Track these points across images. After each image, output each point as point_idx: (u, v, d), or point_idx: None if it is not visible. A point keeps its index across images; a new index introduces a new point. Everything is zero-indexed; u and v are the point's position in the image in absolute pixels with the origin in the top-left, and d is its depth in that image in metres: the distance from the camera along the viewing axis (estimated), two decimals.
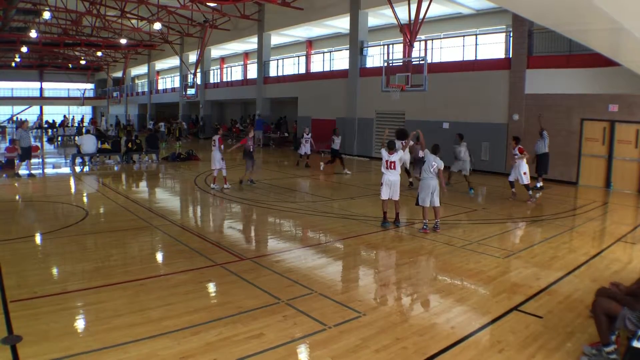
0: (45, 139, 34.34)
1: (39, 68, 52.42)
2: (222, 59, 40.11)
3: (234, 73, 35.31)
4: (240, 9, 26.09)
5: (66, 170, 17.07)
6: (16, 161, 15.53)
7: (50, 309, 4.84)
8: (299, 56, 29.24)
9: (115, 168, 17.85)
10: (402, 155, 9.09)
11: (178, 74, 38.77)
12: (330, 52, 25.52)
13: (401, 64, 15.46)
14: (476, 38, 18.35)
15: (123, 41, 32.76)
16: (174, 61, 40.36)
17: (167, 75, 48.05)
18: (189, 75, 31.68)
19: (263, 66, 28.61)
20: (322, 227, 8.93)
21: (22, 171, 14.68)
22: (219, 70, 37.42)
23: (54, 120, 38.55)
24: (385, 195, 8.73)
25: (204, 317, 4.71)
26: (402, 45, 18.56)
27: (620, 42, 7.48)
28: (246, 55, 36.60)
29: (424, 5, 14.74)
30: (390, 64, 15.91)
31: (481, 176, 15.59)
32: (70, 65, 48.54)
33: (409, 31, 15.12)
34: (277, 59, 29.05)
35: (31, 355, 3.90)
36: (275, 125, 30.29)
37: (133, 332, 4.35)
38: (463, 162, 12.70)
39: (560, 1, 5.00)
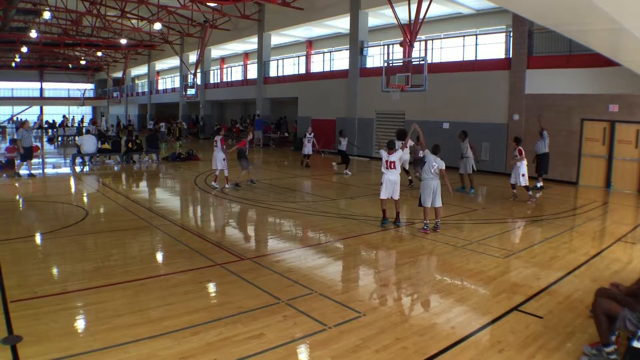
0: (45, 139, 34.35)
1: (39, 68, 52.45)
2: (222, 59, 40.12)
3: (234, 73, 35.32)
4: (240, 9, 26.09)
5: (66, 170, 17.08)
6: (17, 161, 15.55)
7: (51, 309, 4.84)
8: (299, 56, 29.25)
9: (116, 168, 17.85)
10: (401, 155, 9.07)
11: (178, 74, 38.78)
12: (330, 52, 25.52)
13: (401, 64, 15.46)
14: (476, 38, 18.35)
15: (123, 41, 32.76)
16: (174, 61, 40.37)
17: (167, 75, 48.06)
18: (189, 75, 31.69)
19: (263, 66, 28.61)
20: (322, 227, 8.93)
21: (23, 171, 14.68)
22: (219, 71, 37.43)
23: (54, 121, 38.55)
24: (384, 194, 8.73)
25: (204, 317, 4.71)
26: (402, 45, 18.59)
27: (620, 42, 7.48)
28: (246, 55, 36.61)
29: (424, 5, 14.73)
30: (390, 64, 15.91)
31: (481, 176, 15.58)
32: (70, 65, 48.55)
33: (409, 31, 15.11)
34: (277, 59, 29.05)
35: (31, 356, 3.90)
36: (275, 125, 30.30)
37: (133, 332, 4.35)
38: (466, 159, 12.64)
39: (560, 1, 5.00)
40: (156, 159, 19.59)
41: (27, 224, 9.11)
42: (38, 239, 7.88)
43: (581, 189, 14.19)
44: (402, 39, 15.98)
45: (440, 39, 21.75)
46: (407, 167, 13.82)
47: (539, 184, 13.33)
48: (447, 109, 18.06)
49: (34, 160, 16.22)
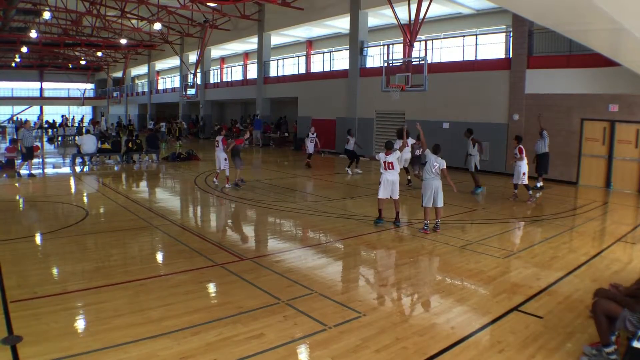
0: (45, 139, 34.35)
1: (39, 68, 52.44)
2: (222, 59, 40.11)
3: (234, 73, 35.31)
4: (240, 9, 26.09)
5: (66, 170, 17.08)
6: (17, 161, 15.56)
7: (51, 309, 4.84)
8: (299, 56, 29.24)
9: (116, 168, 17.85)
10: (399, 155, 9.03)
11: (178, 74, 38.78)
12: (330, 52, 25.52)
13: (401, 64, 15.46)
14: (476, 38, 18.34)
15: (123, 41, 32.77)
16: (174, 61, 40.37)
17: (167, 75, 48.07)
18: (189, 75, 31.69)
19: (263, 66, 28.61)
20: (322, 227, 8.93)
21: (23, 171, 14.68)
22: (219, 70, 37.43)
23: (54, 120, 38.55)
24: (382, 194, 8.73)
25: (204, 317, 4.71)
26: (402, 45, 18.59)
27: (620, 42, 7.48)
28: (246, 55, 36.61)
29: (424, 5, 14.73)
30: (390, 64, 15.91)
31: (481, 176, 15.55)
32: (70, 65, 48.55)
33: (409, 31, 15.11)
34: (277, 59, 29.05)
35: (31, 356, 3.90)
36: (275, 125, 30.31)
37: (133, 332, 4.35)
38: (470, 157, 12.59)
39: (560, 1, 5.00)
40: (156, 159, 19.59)
41: (27, 224, 9.11)
42: (38, 239, 7.88)
43: (581, 189, 14.19)
44: (402, 38, 15.98)
45: (440, 39, 21.75)
46: (407, 165, 13.81)
47: (539, 184, 13.32)
48: (447, 109, 18.06)
49: (34, 160, 16.21)
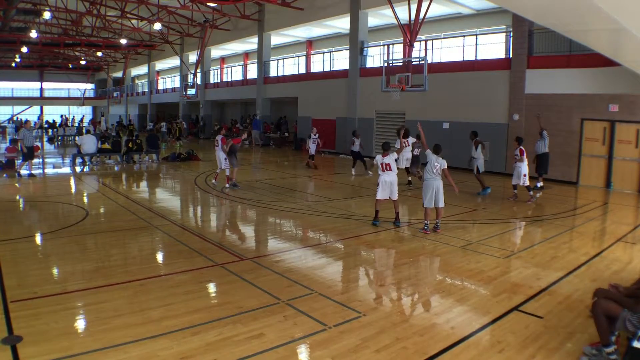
0: (45, 139, 34.36)
1: (39, 68, 52.46)
2: (222, 59, 40.12)
3: (234, 73, 35.31)
4: (240, 9, 26.09)
5: (66, 170, 17.08)
6: (17, 161, 15.56)
7: (51, 309, 4.84)
8: (299, 56, 29.24)
9: (116, 168, 17.85)
10: (397, 157, 9.00)
11: (178, 74, 38.78)
12: (330, 52, 25.52)
13: (401, 64, 15.46)
14: (476, 38, 18.35)
15: (123, 41, 32.76)
16: (174, 61, 40.37)
17: (167, 75, 48.08)
18: (189, 75, 31.70)
19: (263, 66, 28.62)
20: (322, 227, 8.92)
21: (23, 171, 14.68)
22: (219, 70, 37.43)
23: (54, 120, 38.57)
24: (380, 195, 8.73)
25: (204, 317, 4.71)
26: (402, 45, 18.60)
27: (620, 42, 7.48)
28: (246, 55, 36.61)
29: (424, 5, 14.74)
30: (391, 64, 15.91)
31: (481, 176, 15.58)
32: (70, 65, 48.56)
33: (409, 31, 15.11)
34: (277, 59, 29.05)
35: (31, 356, 3.90)
36: (275, 125, 30.32)
37: (133, 332, 4.35)
38: (473, 159, 12.53)
39: (560, 1, 5.01)
40: (156, 159, 19.60)
41: (27, 224, 9.11)
42: (38, 239, 7.88)
43: (581, 189, 14.19)
44: (402, 38, 15.98)
45: (440, 39, 21.75)
46: (408, 165, 13.81)
47: (539, 184, 13.33)
48: (447, 109, 18.07)
49: (35, 160, 16.21)
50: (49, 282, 5.72)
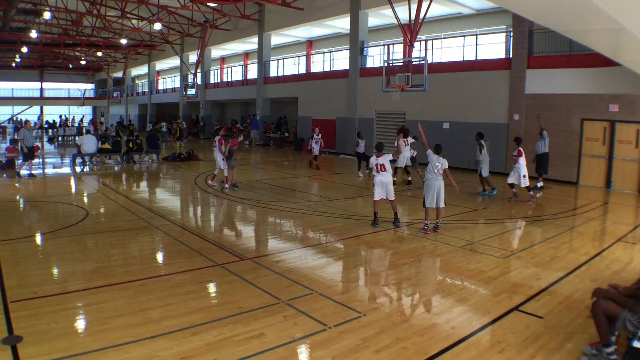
0: (45, 139, 34.36)
1: (39, 68, 52.45)
2: (223, 59, 40.12)
3: (234, 73, 35.32)
4: (241, 9, 26.09)
5: (66, 170, 17.08)
6: (18, 161, 15.56)
7: (51, 309, 4.84)
8: (299, 56, 29.24)
9: (116, 168, 17.85)
10: (391, 157, 8.97)
11: (178, 74, 38.79)
12: (330, 52, 25.52)
13: (401, 64, 15.45)
14: (476, 38, 18.35)
15: (123, 41, 32.77)
16: (174, 61, 40.37)
17: (167, 75, 48.08)
18: (189, 75, 31.69)
19: (263, 66, 28.62)
20: (322, 227, 8.92)
21: (23, 171, 14.68)
22: (219, 71, 37.43)
23: (54, 121, 38.57)
24: (377, 195, 8.74)
25: (204, 317, 4.71)
26: (402, 45, 18.59)
27: (620, 42, 7.48)
28: (246, 55, 36.61)
29: (424, 5, 14.73)
30: (391, 64, 15.90)
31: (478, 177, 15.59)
32: (70, 65, 48.55)
33: (409, 31, 15.11)
34: (278, 59, 29.05)
35: (31, 356, 3.90)
36: (275, 125, 30.32)
37: (133, 332, 4.35)
38: (478, 162, 12.43)
39: (560, 1, 5.01)
40: (156, 159, 19.60)
41: (27, 224, 9.11)
42: (38, 239, 7.88)
43: (581, 189, 14.19)
44: (402, 38, 15.97)
45: (441, 39, 21.75)
46: (408, 164, 13.80)
47: (539, 184, 13.32)
48: (447, 108, 18.06)
49: (35, 160, 16.22)
50: (49, 282, 5.72)
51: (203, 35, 29.27)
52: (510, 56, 16.49)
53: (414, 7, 14.95)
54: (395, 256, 7.24)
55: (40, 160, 19.81)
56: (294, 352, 4.13)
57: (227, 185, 12.82)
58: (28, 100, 52.97)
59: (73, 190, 13.33)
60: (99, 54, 41.39)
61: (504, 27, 19.03)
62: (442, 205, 8.42)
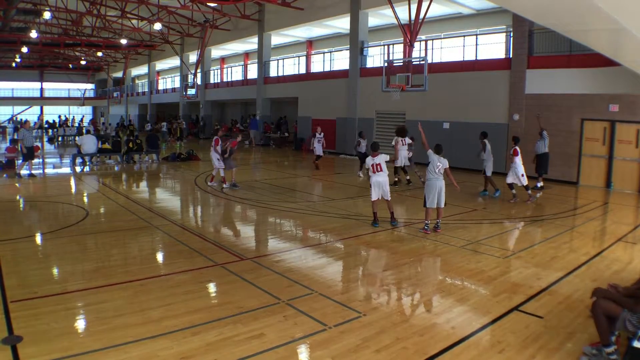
0: (45, 139, 34.36)
1: (40, 68, 52.44)
2: (223, 59, 40.11)
3: (234, 73, 35.32)
4: (241, 9, 26.09)
5: (66, 170, 17.08)
6: (18, 161, 15.55)
7: (51, 309, 4.84)
8: (299, 56, 29.25)
9: (116, 168, 17.85)
10: (387, 158, 8.96)
11: (178, 74, 38.78)
12: (330, 52, 25.52)
13: (401, 64, 15.45)
14: (476, 38, 18.34)
15: (123, 41, 32.76)
16: (174, 61, 40.36)
17: (167, 75, 48.07)
18: (189, 75, 31.69)
19: (263, 66, 28.62)
20: (322, 227, 8.92)
21: (23, 171, 14.68)
22: (219, 71, 37.43)
23: (54, 121, 38.57)
24: (374, 196, 8.75)
25: (204, 317, 4.71)
26: (402, 45, 18.59)
27: (620, 42, 7.48)
28: (246, 55, 36.61)
29: (424, 5, 14.73)
30: (391, 64, 15.89)
31: (480, 176, 15.57)
32: (70, 65, 48.54)
33: (409, 31, 15.11)
34: (278, 59, 29.05)
35: (31, 356, 3.90)
36: (275, 125, 30.33)
37: (133, 332, 4.35)
38: (482, 161, 12.40)
39: (560, 1, 5.01)
40: (156, 159, 19.60)
41: (27, 224, 9.11)
42: (38, 239, 7.88)
43: (581, 189, 14.19)
44: (402, 38, 15.97)
45: (441, 39, 21.75)
46: (407, 163, 13.79)
47: (539, 184, 13.32)
48: (447, 108, 18.06)
49: (35, 160, 16.22)
50: (49, 282, 5.72)
51: (203, 35, 29.27)
52: (510, 56, 16.49)
53: (414, 7, 14.95)
54: (395, 256, 7.24)
55: (40, 160, 19.81)
56: (294, 352, 4.13)
57: (225, 185, 12.81)
58: (28, 100, 52.95)
59: (73, 190, 13.33)
60: (99, 54, 41.38)
61: (504, 27, 19.03)
62: (442, 205, 8.43)
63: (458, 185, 8.68)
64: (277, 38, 29.55)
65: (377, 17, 22.41)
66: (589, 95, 14.35)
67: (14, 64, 47.03)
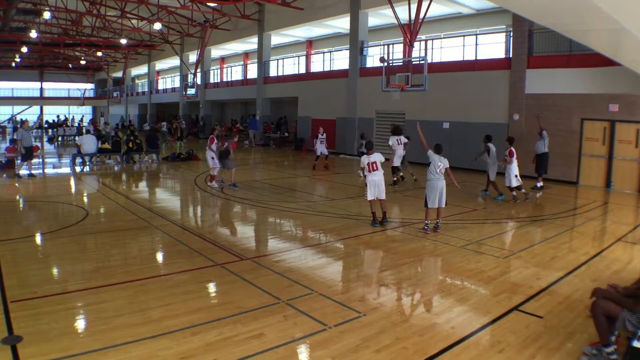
0: (45, 139, 34.35)
1: (39, 68, 52.43)
2: (222, 59, 40.10)
3: (234, 73, 35.31)
4: (240, 9, 26.09)
5: (66, 170, 17.08)
6: (17, 161, 15.54)
7: (50, 309, 4.84)
8: (299, 56, 29.24)
9: (116, 168, 17.85)
10: (382, 158, 8.95)
11: (178, 74, 38.76)
12: (330, 52, 25.52)
13: (401, 64, 15.45)
14: (476, 38, 18.34)
15: (123, 41, 32.74)
16: (174, 61, 40.35)
17: (167, 75, 48.05)
18: (189, 75, 31.68)
19: (263, 66, 28.61)
20: (322, 227, 8.92)
21: (23, 171, 14.68)
22: (219, 70, 37.41)
23: (54, 121, 38.56)
24: (371, 195, 8.75)
25: (204, 317, 4.71)
26: (402, 45, 18.58)
27: (620, 42, 7.48)
28: (246, 55, 36.60)
29: (424, 5, 14.73)
30: (391, 64, 15.89)
31: (481, 176, 15.57)
32: (70, 65, 48.54)
33: (409, 31, 15.11)
34: (277, 59, 29.05)
35: (31, 356, 3.90)
36: (275, 125, 30.32)
37: (133, 332, 4.35)
38: (486, 164, 12.33)
39: (560, 1, 5.01)
40: (156, 159, 19.60)
41: (27, 224, 9.11)
42: (38, 239, 7.88)
43: (581, 189, 14.19)
44: (402, 38, 15.96)
45: (440, 39, 21.75)
46: (398, 164, 13.76)
47: (539, 184, 13.32)
48: (447, 108, 18.06)
49: (34, 160, 16.22)
50: (49, 282, 5.72)
51: (203, 35, 29.26)
52: (510, 56, 16.48)
53: (413, 7, 14.94)
54: (395, 256, 7.24)
55: (40, 160, 19.80)
56: (294, 352, 4.13)
57: (212, 183, 12.86)
58: (28, 100, 52.92)
59: (73, 190, 13.33)
60: (99, 54, 41.37)
61: (504, 27, 19.02)
62: (442, 205, 8.43)
63: (459, 185, 8.70)
64: (277, 38, 29.54)
65: (377, 17, 22.40)
66: (589, 95, 14.35)
67: (13, 64, 47.04)
